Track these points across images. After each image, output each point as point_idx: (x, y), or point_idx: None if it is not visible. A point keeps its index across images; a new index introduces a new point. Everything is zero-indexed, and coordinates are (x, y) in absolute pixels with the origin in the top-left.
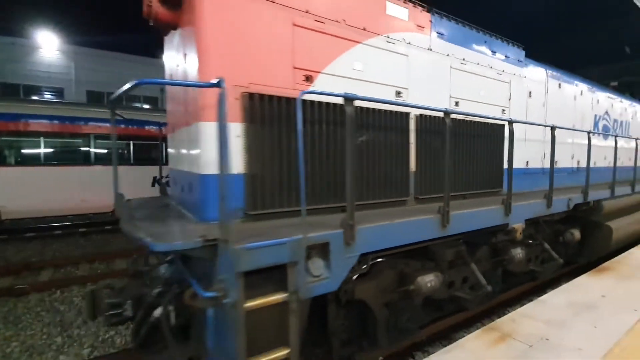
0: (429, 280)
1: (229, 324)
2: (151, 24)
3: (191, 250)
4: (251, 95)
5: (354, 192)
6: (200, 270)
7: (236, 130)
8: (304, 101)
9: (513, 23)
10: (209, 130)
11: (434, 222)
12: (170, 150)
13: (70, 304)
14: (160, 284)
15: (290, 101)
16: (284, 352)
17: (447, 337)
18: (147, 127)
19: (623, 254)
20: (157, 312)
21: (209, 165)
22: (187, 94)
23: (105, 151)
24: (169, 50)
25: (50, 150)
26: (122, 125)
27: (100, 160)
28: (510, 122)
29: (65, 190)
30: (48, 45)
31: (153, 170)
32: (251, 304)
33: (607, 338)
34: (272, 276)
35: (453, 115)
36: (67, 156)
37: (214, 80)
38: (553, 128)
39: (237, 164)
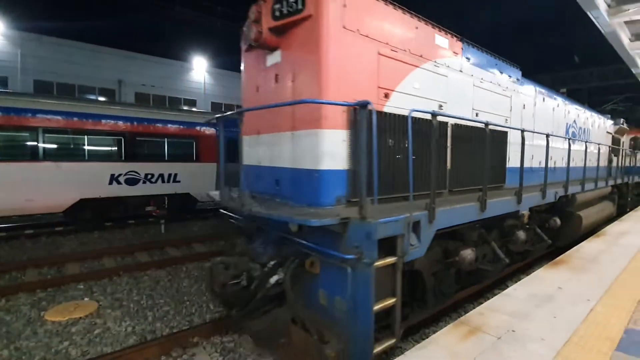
0: (468, 254)
1: (363, 279)
2: (252, 44)
3: (331, 225)
4: (355, 109)
5: (432, 183)
6: (321, 244)
7: (342, 136)
8: (387, 113)
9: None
10: (326, 136)
11: (476, 207)
12: (249, 149)
13: (17, 312)
14: (267, 259)
15: (380, 114)
16: (392, 300)
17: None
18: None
19: (575, 248)
20: (274, 279)
21: (325, 162)
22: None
23: (55, 146)
24: (253, 64)
25: None
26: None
27: (49, 156)
28: (523, 131)
29: (8, 188)
30: None
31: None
32: (378, 263)
33: (566, 328)
34: (381, 245)
35: (471, 124)
36: (11, 151)
37: (362, 101)
38: (548, 136)
39: (342, 162)
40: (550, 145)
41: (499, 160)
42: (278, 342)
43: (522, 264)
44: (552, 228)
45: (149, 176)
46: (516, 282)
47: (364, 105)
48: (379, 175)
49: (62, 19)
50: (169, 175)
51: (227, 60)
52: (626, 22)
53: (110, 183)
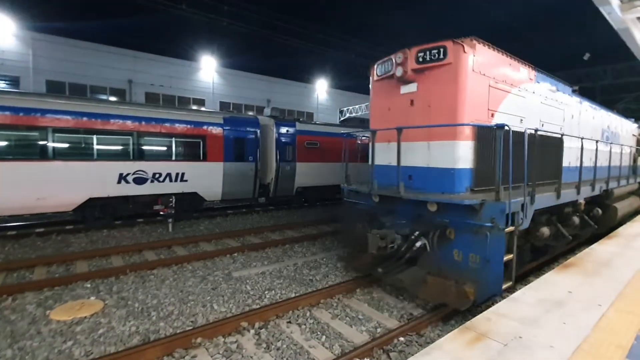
0: (545, 231)
1: (498, 240)
2: (391, 77)
3: (474, 204)
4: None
5: (533, 178)
6: (455, 219)
7: (470, 145)
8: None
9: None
10: (460, 145)
11: (554, 195)
12: (382, 153)
13: (23, 312)
14: (410, 231)
15: (490, 129)
16: (510, 255)
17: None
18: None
19: (585, 250)
20: (418, 244)
21: (459, 163)
22: (417, 119)
23: (66, 145)
24: (385, 91)
25: (3, 143)
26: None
27: (60, 155)
28: (582, 139)
29: (19, 187)
30: (2, 30)
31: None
32: (507, 230)
33: (576, 334)
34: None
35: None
36: (22, 150)
37: (500, 123)
38: (597, 142)
39: (469, 163)
40: (593, 148)
41: (556, 161)
42: (418, 288)
43: (569, 247)
44: (594, 217)
45: (157, 175)
46: (525, 285)
47: (501, 126)
48: (503, 171)
49: (73, 20)
50: (177, 174)
51: (235, 60)
52: (639, 18)
53: (119, 182)
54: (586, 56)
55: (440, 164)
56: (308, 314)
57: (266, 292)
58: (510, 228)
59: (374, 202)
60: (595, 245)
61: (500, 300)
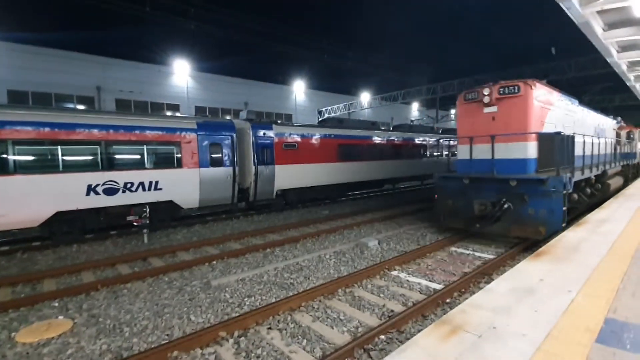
0: (574, 196)
1: (560, 199)
2: (478, 101)
3: (544, 178)
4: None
5: (572, 163)
6: (529, 189)
7: (535, 144)
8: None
9: (452, 21)
10: (529, 144)
11: (579, 173)
12: (468, 151)
13: None
14: (497, 199)
15: (548, 134)
16: (564, 208)
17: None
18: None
19: (557, 237)
20: (505, 206)
21: (529, 154)
22: (498, 126)
23: (27, 158)
24: (471, 110)
25: None
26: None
27: (21, 168)
28: (592, 137)
29: None
30: None
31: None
32: (564, 192)
33: (547, 321)
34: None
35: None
36: None
37: (557, 131)
38: (599, 137)
39: (534, 154)
40: (592, 142)
41: (572, 151)
42: (506, 232)
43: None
44: (596, 189)
45: (129, 185)
46: (501, 275)
47: (558, 133)
48: (550, 159)
49: (36, 28)
50: (150, 183)
51: (210, 63)
52: (598, 12)
53: (88, 194)
54: (552, 50)
55: (516, 156)
56: (289, 318)
57: (246, 299)
58: (564, 192)
59: (464, 183)
60: (566, 232)
61: (478, 291)
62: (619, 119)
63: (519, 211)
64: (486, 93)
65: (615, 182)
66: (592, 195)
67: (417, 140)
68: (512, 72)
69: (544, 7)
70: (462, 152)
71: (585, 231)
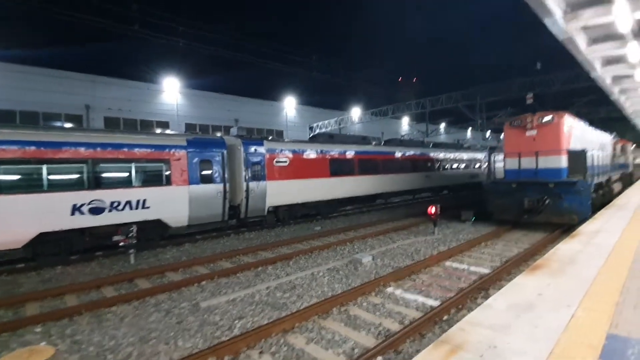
0: (593, 195)
1: (588, 195)
2: (522, 127)
3: (575, 181)
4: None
5: (587, 171)
6: (564, 190)
7: (565, 157)
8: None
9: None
10: (562, 156)
11: (597, 179)
12: (514, 162)
13: None
14: (540, 197)
15: (576, 150)
16: (589, 202)
17: None
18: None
19: (552, 251)
20: (546, 202)
21: (562, 164)
22: (538, 145)
23: (10, 178)
24: (516, 133)
25: None
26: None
27: (5, 188)
28: (595, 150)
29: None
30: None
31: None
32: (590, 190)
33: (548, 337)
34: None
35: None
36: None
37: (583, 148)
38: (603, 151)
39: (565, 165)
40: (600, 155)
41: (583, 163)
42: (547, 220)
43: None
44: (604, 193)
45: (115, 204)
46: (498, 290)
47: (584, 150)
48: (576, 167)
49: (24, 46)
50: (138, 201)
51: (200, 80)
52: (582, 28)
53: (73, 214)
54: (538, 65)
55: (552, 166)
56: (282, 340)
57: (237, 321)
58: (590, 191)
59: (512, 187)
60: (560, 245)
61: (475, 309)
62: (615, 134)
63: (557, 205)
64: (529, 120)
65: (617, 186)
66: (603, 195)
67: (408, 154)
68: (500, 86)
69: (532, 21)
70: (510, 164)
71: (579, 243)
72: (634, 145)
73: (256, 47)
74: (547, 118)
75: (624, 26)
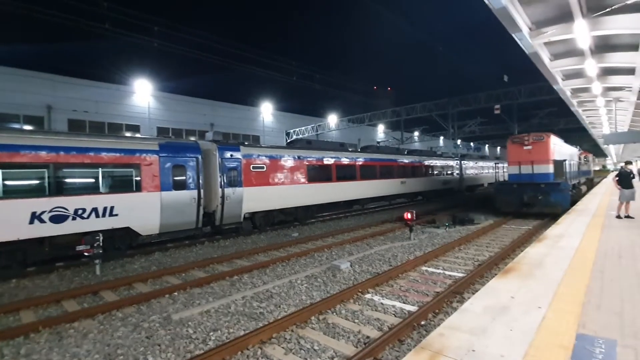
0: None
1: (567, 193)
2: (521, 143)
3: (559, 183)
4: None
5: (570, 175)
6: (552, 189)
7: (552, 165)
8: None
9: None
10: (550, 165)
11: (574, 181)
12: (512, 169)
13: None
14: (534, 193)
15: (559, 160)
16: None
17: None
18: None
19: (521, 254)
20: (540, 197)
21: (550, 171)
22: (533, 157)
23: None
24: (516, 148)
25: None
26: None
27: None
28: (565, 161)
29: None
30: None
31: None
32: (569, 190)
33: (523, 341)
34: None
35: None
36: None
37: (563, 158)
38: (573, 160)
39: (552, 171)
40: (572, 163)
41: (564, 169)
42: (540, 210)
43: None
44: (576, 192)
45: (80, 211)
46: (473, 293)
47: (564, 160)
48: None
49: None
50: (105, 208)
51: (174, 83)
52: (546, 44)
53: (32, 222)
54: (505, 78)
55: (542, 171)
56: (259, 352)
57: (211, 333)
58: (569, 189)
59: (514, 187)
60: (528, 249)
61: (452, 313)
62: (578, 147)
63: (547, 200)
64: (526, 138)
65: (584, 187)
66: (576, 193)
67: (384, 161)
68: (469, 98)
69: (500, 38)
70: (512, 170)
71: (545, 247)
72: (592, 155)
73: (234, 51)
74: (539, 137)
75: (583, 42)
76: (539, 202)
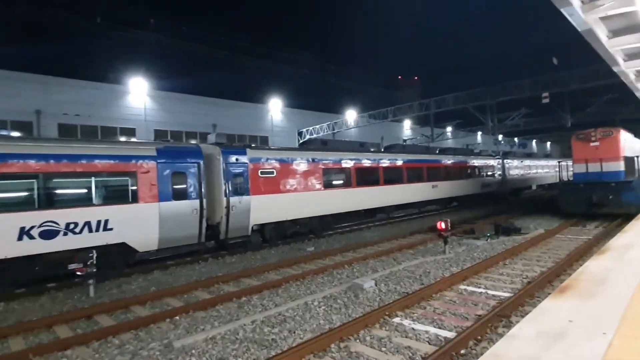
0: None
1: (638, 193)
2: (587, 139)
3: (631, 180)
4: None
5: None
6: (622, 187)
7: (622, 162)
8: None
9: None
10: (620, 162)
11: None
12: (579, 166)
13: None
14: (603, 193)
15: (631, 157)
16: None
17: None
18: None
19: (580, 269)
20: (610, 197)
21: (621, 168)
22: (601, 154)
23: None
24: (582, 144)
25: None
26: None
27: None
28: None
29: None
30: None
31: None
32: None
33: None
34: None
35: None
36: None
37: (634, 155)
38: None
39: (623, 168)
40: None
41: (636, 166)
42: (610, 211)
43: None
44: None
45: (72, 226)
46: (522, 316)
47: (636, 155)
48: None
49: None
50: (98, 222)
51: (172, 82)
52: (602, 18)
53: (20, 239)
54: (555, 60)
55: (612, 169)
56: None
57: None
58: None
59: (581, 186)
60: (588, 262)
61: (497, 340)
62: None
63: (618, 200)
64: (593, 134)
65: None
66: None
67: (411, 162)
68: (510, 86)
69: (545, 13)
70: (579, 168)
71: (609, 260)
72: None
73: (238, 43)
74: (607, 132)
75: None
76: (609, 203)
